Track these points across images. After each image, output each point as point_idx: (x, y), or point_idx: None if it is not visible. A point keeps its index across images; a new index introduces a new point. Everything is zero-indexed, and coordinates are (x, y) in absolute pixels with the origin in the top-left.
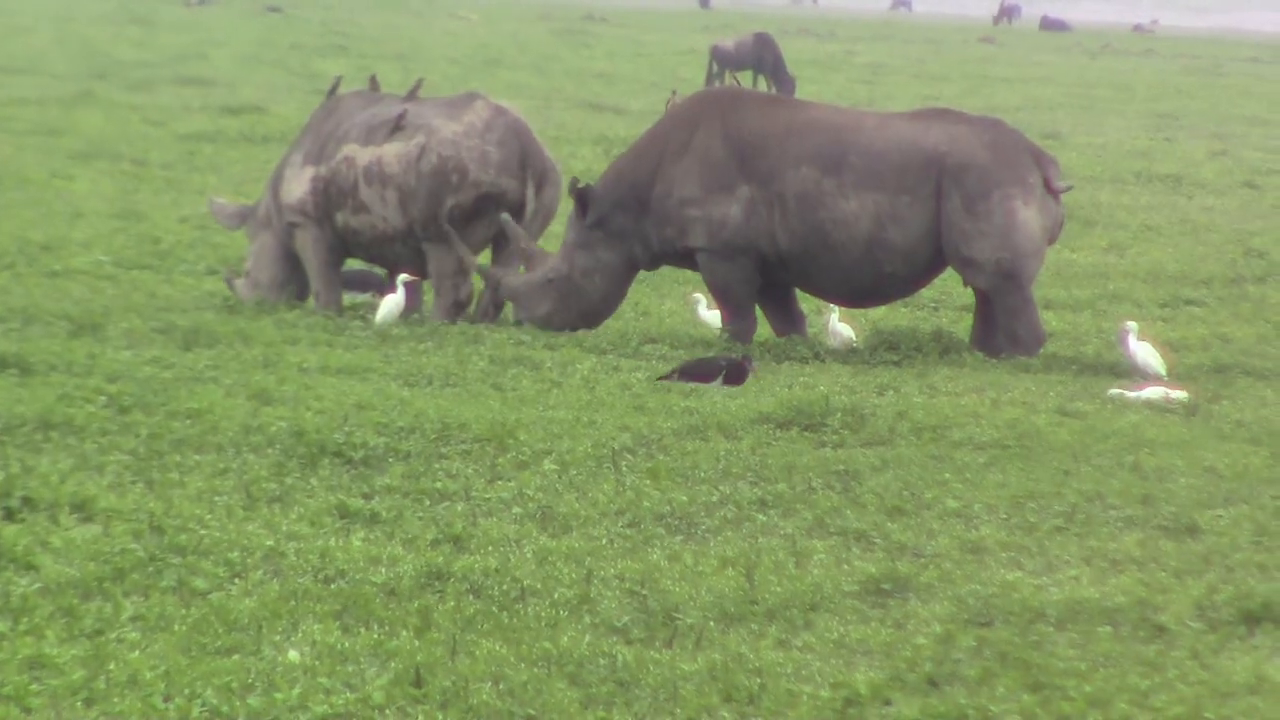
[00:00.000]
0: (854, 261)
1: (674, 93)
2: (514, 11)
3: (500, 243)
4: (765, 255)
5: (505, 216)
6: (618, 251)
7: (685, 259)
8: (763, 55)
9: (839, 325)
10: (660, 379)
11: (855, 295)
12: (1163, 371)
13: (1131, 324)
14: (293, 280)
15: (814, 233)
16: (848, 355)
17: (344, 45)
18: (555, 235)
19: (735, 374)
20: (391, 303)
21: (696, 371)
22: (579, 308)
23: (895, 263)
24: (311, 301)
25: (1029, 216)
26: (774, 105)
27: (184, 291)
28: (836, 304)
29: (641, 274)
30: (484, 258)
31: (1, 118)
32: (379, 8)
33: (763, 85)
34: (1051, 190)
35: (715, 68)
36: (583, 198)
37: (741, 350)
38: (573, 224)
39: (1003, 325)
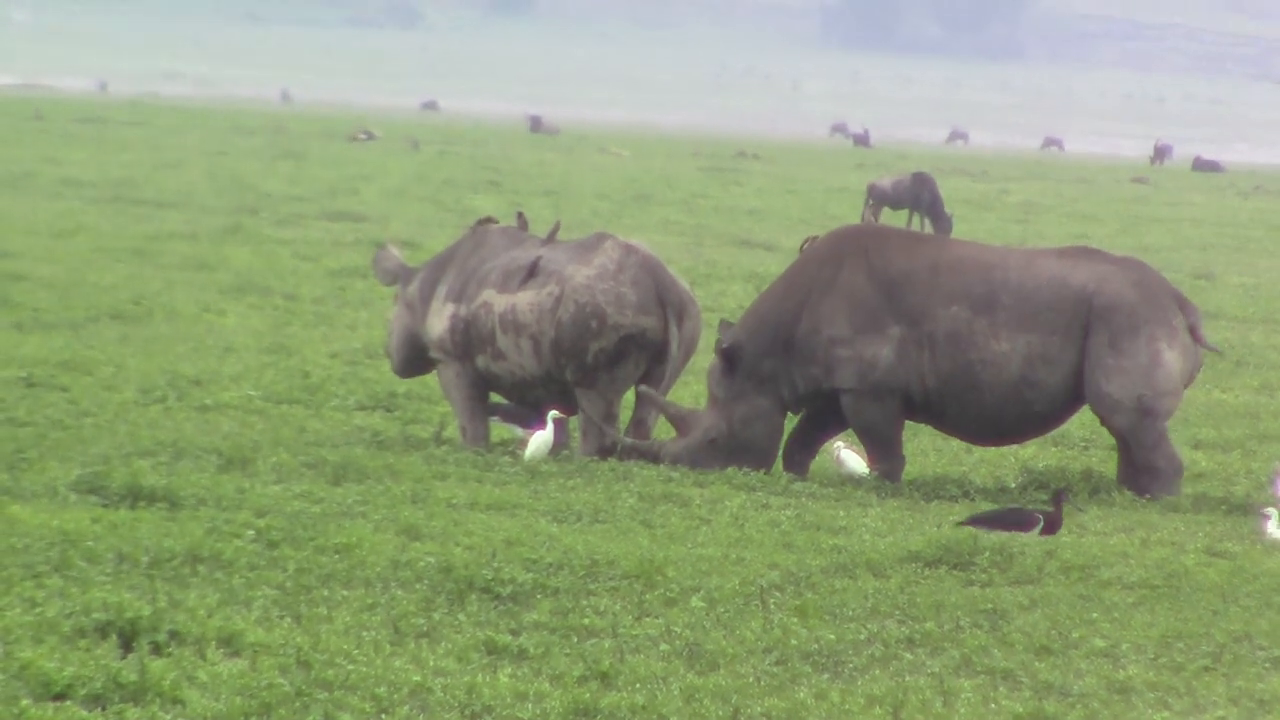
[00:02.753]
0: (1000, 401)
1: (814, 237)
2: (664, 148)
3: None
4: (911, 395)
5: (644, 388)
6: (769, 396)
7: (828, 400)
8: (920, 194)
9: (845, 454)
10: (963, 523)
11: (995, 434)
12: None
13: None
14: (416, 366)
15: (962, 373)
16: (996, 494)
17: (496, 181)
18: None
19: (1051, 524)
20: (541, 439)
21: (1009, 520)
22: (747, 459)
23: (1043, 402)
24: (458, 437)
25: (1172, 358)
26: (917, 242)
27: (333, 426)
28: (972, 443)
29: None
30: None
31: (152, 252)
32: (530, 144)
33: (917, 224)
34: (1197, 338)
35: (871, 205)
36: (730, 357)
37: (1050, 493)
38: (721, 380)
39: (1141, 461)
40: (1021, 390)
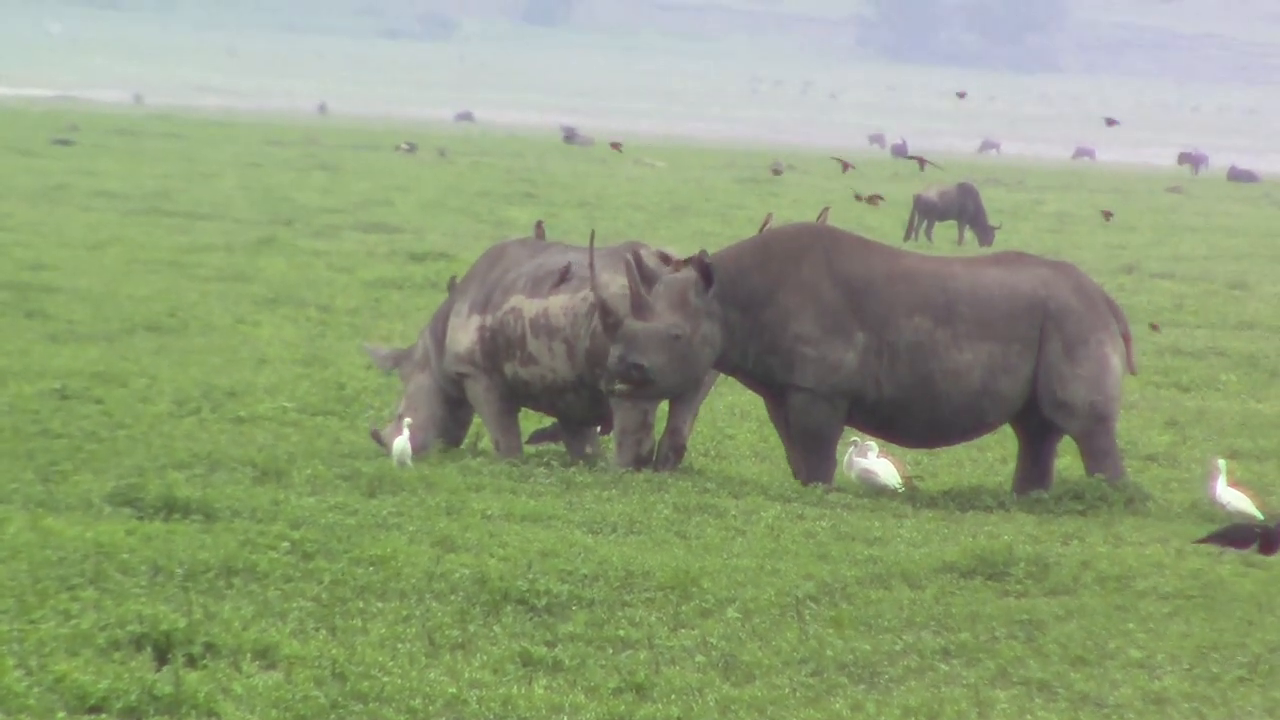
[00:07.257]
0: (957, 410)
1: (770, 215)
2: (700, 160)
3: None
4: (863, 401)
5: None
6: (723, 338)
7: (767, 388)
8: (965, 204)
9: (871, 461)
10: (1197, 541)
11: (940, 439)
12: None
13: None
14: (447, 424)
15: (922, 383)
16: (1031, 504)
17: (531, 192)
18: None
19: (1269, 541)
20: (399, 445)
21: (1232, 536)
22: (684, 373)
23: (999, 410)
24: (490, 448)
25: (1117, 361)
26: (869, 249)
27: (368, 438)
28: (911, 447)
29: None
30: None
31: (187, 264)
32: (565, 155)
33: (961, 234)
34: (1125, 338)
35: (917, 218)
36: (707, 274)
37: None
38: (699, 290)
39: (1090, 469)
40: (980, 399)
